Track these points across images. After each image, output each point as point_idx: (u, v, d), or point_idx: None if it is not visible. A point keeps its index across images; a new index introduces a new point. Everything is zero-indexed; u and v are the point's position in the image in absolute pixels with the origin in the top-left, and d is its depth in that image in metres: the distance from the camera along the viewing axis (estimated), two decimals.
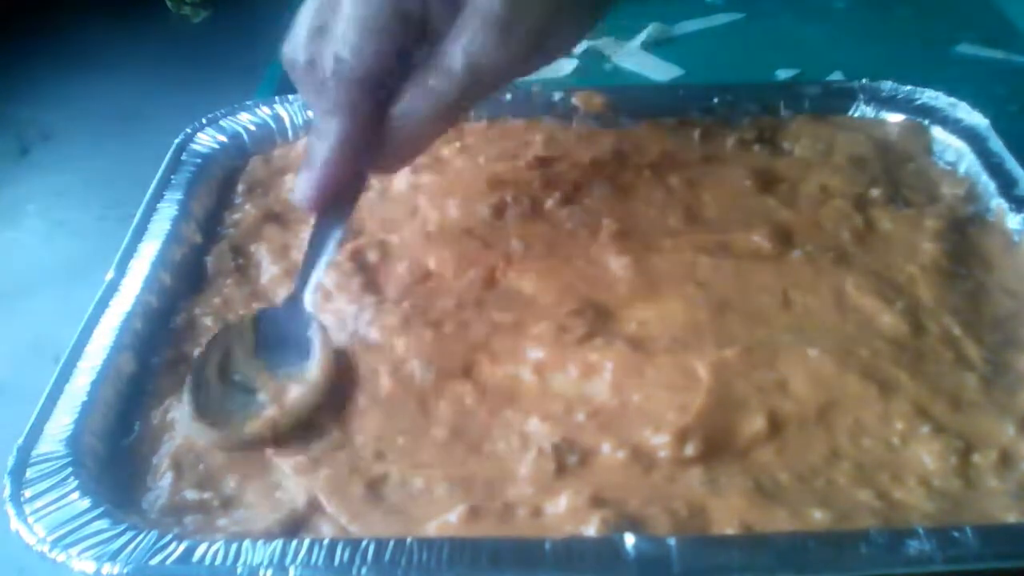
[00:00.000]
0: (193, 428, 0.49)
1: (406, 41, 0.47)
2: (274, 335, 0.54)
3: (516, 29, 0.45)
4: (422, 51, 0.47)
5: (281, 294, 0.59)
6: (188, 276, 0.61)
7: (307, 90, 0.49)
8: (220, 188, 0.69)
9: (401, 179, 0.69)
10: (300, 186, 0.51)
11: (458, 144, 0.72)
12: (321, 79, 0.47)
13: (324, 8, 0.48)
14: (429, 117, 0.48)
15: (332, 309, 0.58)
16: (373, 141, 0.49)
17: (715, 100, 0.75)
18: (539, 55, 0.48)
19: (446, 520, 0.45)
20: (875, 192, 0.65)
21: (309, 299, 0.54)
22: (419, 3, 0.46)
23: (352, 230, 0.64)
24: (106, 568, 0.42)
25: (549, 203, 0.66)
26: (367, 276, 0.60)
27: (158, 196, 0.65)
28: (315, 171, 0.50)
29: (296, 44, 0.49)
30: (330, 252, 0.53)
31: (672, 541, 0.42)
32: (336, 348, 0.53)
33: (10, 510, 0.44)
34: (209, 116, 0.73)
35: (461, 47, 0.45)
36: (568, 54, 0.46)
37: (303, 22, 0.49)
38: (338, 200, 0.52)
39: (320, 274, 0.54)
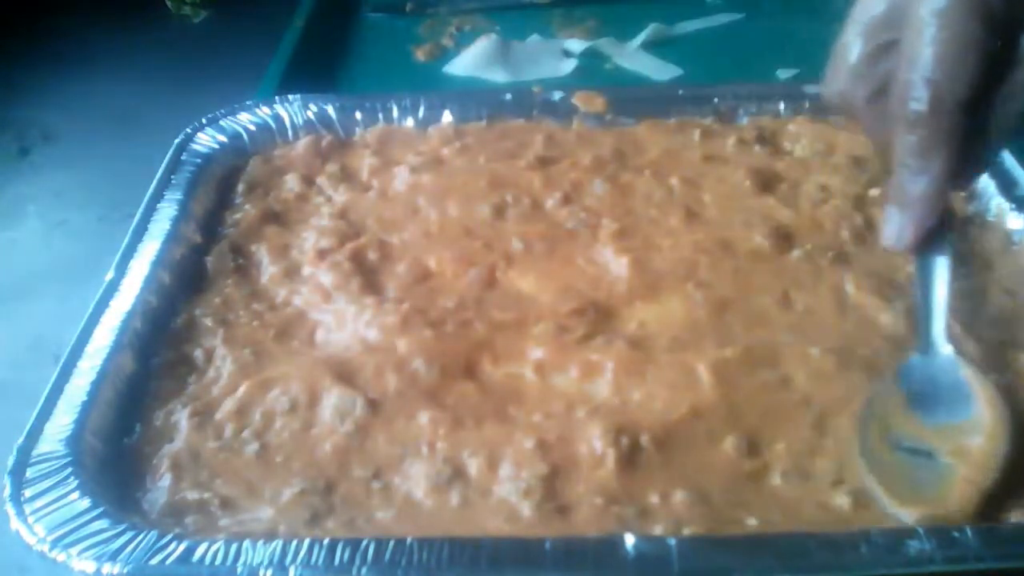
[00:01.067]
0: (898, 512, 0.44)
1: (996, 48, 0.41)
2: (921, 389, 0.49)
3: None
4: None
5: (281, 293, 0.59)
6: (188, 276, 0.61)
7: (877, 122, 0.46)
8: (220, 188, 0.69)
9: (401, 179, 0.69)
10: (894, 227, 0.46)
11: (458, 144, 0.72)
12: (905, 109, 0.43)
13: (879, 28, 0.44)
14: (1015, 111, 0.43)
15: (331, 310, 0.58)
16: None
17: (715, 100, 0.75)
18: None
19: None
20: (875, 192, 0.65)
21: (943, 341, 0.49)
22: (1004, 2, 0.41)
23: (352, 231, 0.64)
24: (106, 568, 0.42)
25: (549, 203, 0.66)
26: (367, 276, 0.60)
27: (158, 196, 0.65)
28: (915, 209, 0.45)
29: (848, 73, 0.45)
30: (946, 285, 0.49)
31: (672, 541, 0.42)
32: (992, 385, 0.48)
33: (10, 510, 0.44)
34: (209, 116, 0.73)
35: None
36: None
37: (851, 47, 0.45)
38: (936, 236, 0.48)
39: (943, 313, 0.49)
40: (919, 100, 0.42)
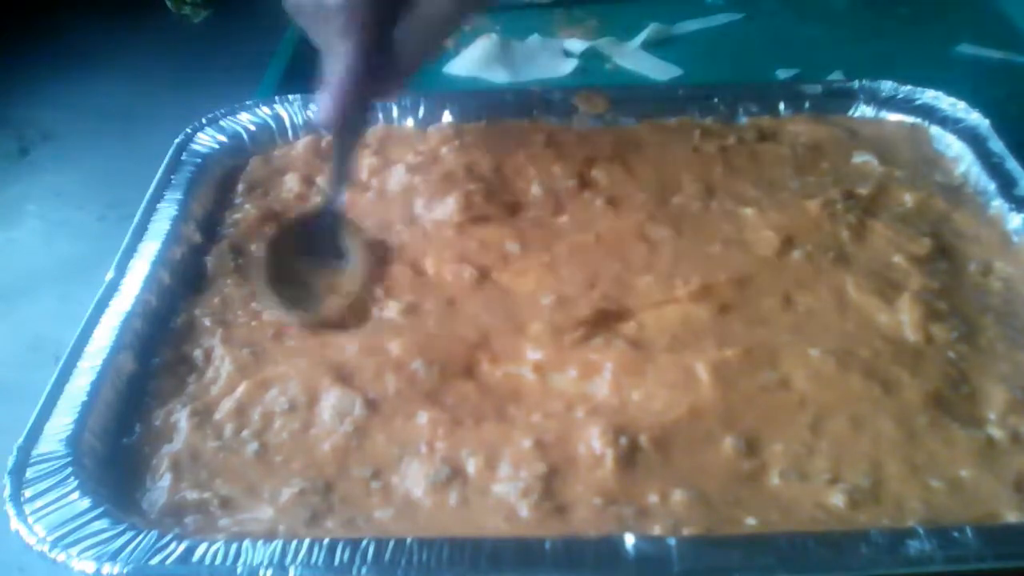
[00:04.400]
0: (282, 313, 0.57)
1: None
2: (312, 237, 0.60)
3: None
4: None
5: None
6: (188, 276, 0.61)
7: (314, 26, 0.53)
8: (220, 188, 0.69)
9: (398, 179, 0.69)
10: (320, 107, 0.55)
11: (457, 143, 0.72)
12: (326, 12, 0.52)
13: None
14: (424, 39, 0.53)
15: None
16: (378, 65, 0.53)
17: (715, 100, 0.75)
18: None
19: None
20: (875, 191, 0.65)
21: (340, 203, 0.61)
22: None
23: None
24: (106, 568, 0.42)
25: (549, 203, 0.66)
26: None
27: (158, 196, 0.65)
28: (332, 91, 0.54)
29: None
30: (350, 164, 0.61)
31: (672, 541, 0.42)
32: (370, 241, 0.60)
33: (10, 510, 0.44)
34: (209, 116, 0.73)
35: None
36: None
37: None
38: (353, 119, 0.57)
39: (344, 183, 0.61)
40: (329, 3, 0.51)
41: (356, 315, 0.58)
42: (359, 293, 0.58)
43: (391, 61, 0.54)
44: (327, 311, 0.58)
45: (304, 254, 0.61)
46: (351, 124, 0.58)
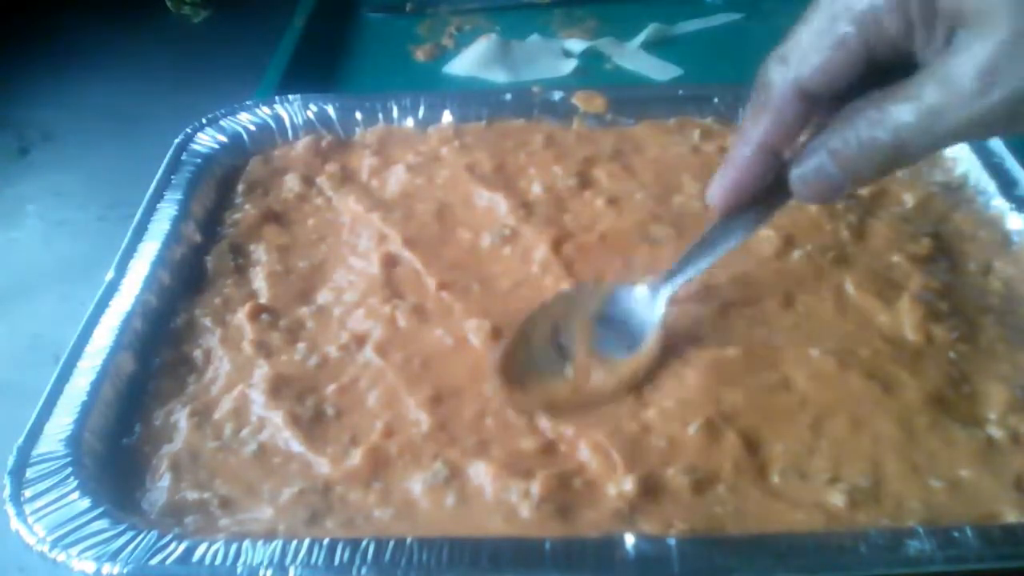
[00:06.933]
0: (494, 379, 0.51)
1: (864, 61, 0.40)
2: (620, 312, 0.53)
3: (1006, 80, 0.35)
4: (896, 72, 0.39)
5: (280, 295, 0.59)
6: (188, 276, 0.61)
7: (752, 100, 0.45)
8: (220, 188, 0.69)
9: (398, 179, 0.69)
10: (713, 185, 0.47)
11: (457, 143, 0.72)
12: (762, 83, 0.44)
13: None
14: (858, 158, 0.40)
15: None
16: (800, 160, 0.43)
17: (715, 100, 0.75)
18: (1020, 121, 0.37)
19: None
20: (875, 191, 0.65)
21: (667, 294, 0.52)
22: (899, 23, 0.38)
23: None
24: (106, 568, 0.42)
25: (549, 203, 0.66)
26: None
27: (158, 196, 0.65)
28: (728, 170, 0.46)
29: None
30: (715, 257, 0.50)
31: (672, 541, 0.42)
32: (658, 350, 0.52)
33: (10, 510, 0.44)
34: (209, 116, 0.73)
35: (924, 86, 0.37)
36: None
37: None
38: (749, 207, 0.47)
39: (693, 275, 0.52)
40: (767, 67, 0.43)
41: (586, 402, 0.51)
42: (588, 398, 0.51)
43: (810, 165, 0.42)
44: (545, 397, 0.51)
45: (599, 325, 0.54)
46: (741, 217, 0.48)
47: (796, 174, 0.43)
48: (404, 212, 0.66)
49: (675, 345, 0.54)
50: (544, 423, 0.50)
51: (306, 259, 0.63)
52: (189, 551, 0.42)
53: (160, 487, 0.48)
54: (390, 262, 0.61)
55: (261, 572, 0.41)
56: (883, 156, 0.39)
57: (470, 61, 0.94)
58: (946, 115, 0.36)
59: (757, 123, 0.44)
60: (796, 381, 0.52)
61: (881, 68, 0.39)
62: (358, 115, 0.75)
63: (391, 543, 0.42)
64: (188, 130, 0.72)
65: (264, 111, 0.74)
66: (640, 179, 0.68)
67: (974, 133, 0.38)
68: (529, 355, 0.53)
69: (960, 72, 0.36)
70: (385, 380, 0.53)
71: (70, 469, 0.46)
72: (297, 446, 0.50)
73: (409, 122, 0.75)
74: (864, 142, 0.39)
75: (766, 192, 0.46)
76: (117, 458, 0.49)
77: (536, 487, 0.46)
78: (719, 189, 0.46)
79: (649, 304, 0.53)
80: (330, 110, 0.75)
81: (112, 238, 0.61)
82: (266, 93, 0.79)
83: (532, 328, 0.54)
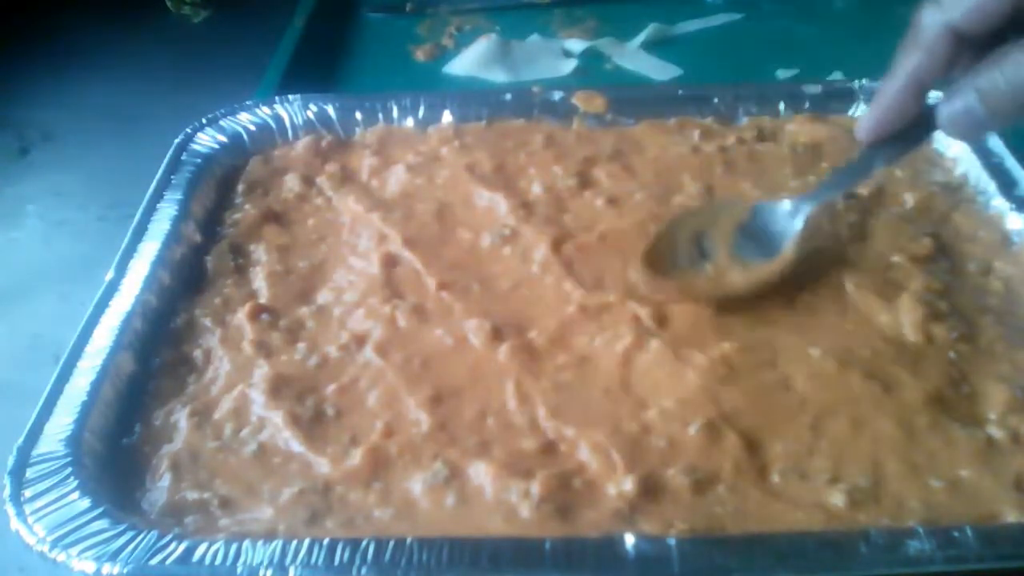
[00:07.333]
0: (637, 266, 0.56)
1: (1012, 4, 0.42)
2: (760, 224, 0.57)
3: None
4: None
5: (280, 295, 0.59)
6: (188, 276, 0.61)
7: (905, 40, 0.47)
8: (220, 188, 0.69)
9: (398, 179, 0.69)
10: (863, 119, 0.50)
11: (457, 143, 0.72)
12: (916, 24, 0.46)
13: None
14: (1006, 99, 0.43)
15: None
16: (949, 97, 0.45)
17: (715, 100, 0.75)
18: None
19: None
20: (875, 192, 0.65)
21: (809, 211, 0.56)
22: None
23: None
24: (106, 568, 0.42)
25: (549, 203, 0.66)
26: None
27: (158, 196, 0.65)
28: (878, 103, 0.49)
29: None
30: (855, 182, 0.55)
31: (672, 541, 0.42)
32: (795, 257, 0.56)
33: (10, 510, 0.44)
34: (209, 116, 0.73)
35: None
36: None
37: None
38: (893, 139, 0.50)
39: (835, 195, 0.57)
40: (922, 10, 0.45)
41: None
42: (725, 292, 0.56)
43: (960, 104, 0.44)
44: (684, 284, 0.56)
45: (739, 235, 0.57)
46: (885, 148, 0.51)
47: (945, 111, 0.45)
48: (404, 212, 0.66)
49: (675, 345, 0.54)
50: (545, 423, 0.50)
51: (306, 259, 0.63)
52: (189, 551, 0.42)
53: (160, 487, 0.48)
54: (390, 262, 0.61)
55: (261, 572, 0.41)
56: None
57: (470, 61, 0.94)
58: None
59: (908, 60, 0.46)
60: (796, 381, 0.52)
61: None
62: (358, 115, 0.75)
63: (391, 543, 0.42)
64: (188, 130, 0.72)
65: (264, 111, 0.74)
66: (640, 179, 0.68)
67: None
68: (672, 251, 0.57)
69: None
70: (385, 380, 0.53)
71: (70, 469, 0.46)
72: (297, 446, 0.50)
73: (409, 122, 0.75)
74: (1012, 82, 0.42)
75: (910, 126, 0.49)
76: (117, 458, 0.49)
77: (536, 487, 0.46)
78: (868, 121, 0.49)
79: (790, 218, 0.56)
80: (330, 110, 0.75)
81: (112, 238, 0.61)
82: (266, 93, 0.79)
83: (677, 228, 0.58)
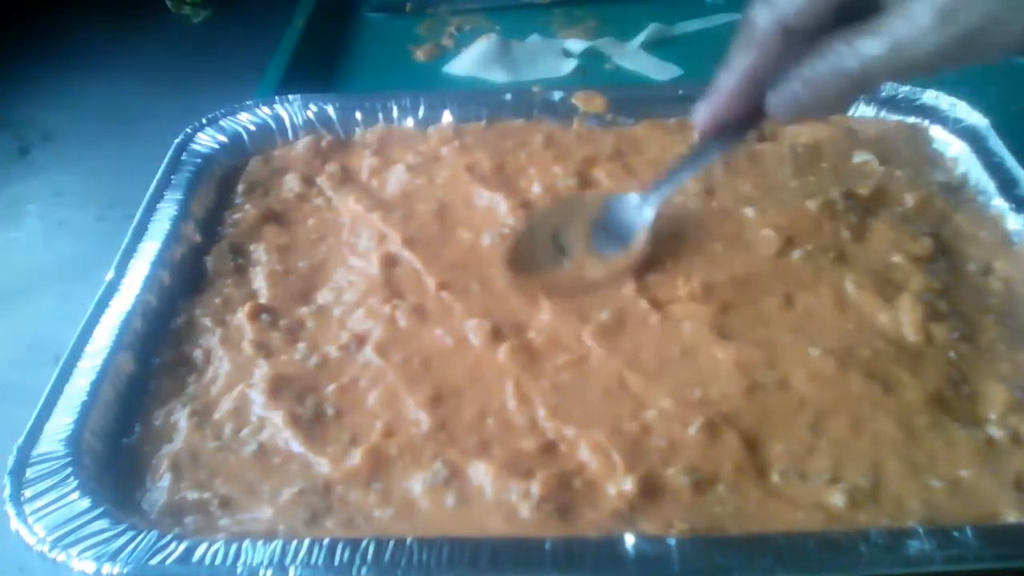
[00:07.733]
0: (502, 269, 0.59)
1: (838, 1, 0.45)
2: (614, 218, 0.60)
3: (959, 18, 0.41)
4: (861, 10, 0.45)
5: (280, 295, 0.59)
6: (188, 276, 0.61)
7: (738, 36, 0.50)
8: (220, 188, 0.69)
9: (398, 179, 0.69)
10: (700, 110, 0.53)
11: (457, 143, 0.72)
12: (748, 22, 0.49)
13: None
14: (828, 85, 0.46)
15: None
16: (776, 85, 0.48)
17: None
18: (971, 54, 0.43)
19: None
20: (875, 192, 0.65)
21: (656, 201, 0.59)
22: None
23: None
24: (106, 568, 0.42)
25: (546, 204, 0.66)
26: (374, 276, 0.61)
27: (158, 196, 0.65)
28: (713, 98, 0.52)
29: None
30: (696, 170, 0.58)
31: (672, 541, 0.42)
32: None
33: (10, 510, 0.44)
34: (209, 116, 0.73)
35: (890, 23, 0.43)
36: (996, 61, 0.44)
37: None
38: (728, 129, 0.53)
39: (679, 185, 0.59)
40: (753, 9, 0.48)
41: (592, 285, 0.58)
42: (585, 286, 0.58)
43: (787, 91, 0.48)
44: (544, 280, 0.58)
45: (594, 230, 0.60)
46: (720, 138, 0.55)
47: (774, 99, 0.48)
48: (404, 212, 0.66)
49: (675, 345, 0.54)
50: (545, 423, 0.50)
51: (306, 259, 0.63)
52: (189, 551, 0.42)
53: (160, 487, 0.48)
54: (390, 262, 0.61)
55: (261, 572, 0.41)
56: (850, 83, 0.45)
57: (470, 61, 0.94)
58: (908, 48, 0.43)
59: (743, 56, 0.49)
60: (796, 381, 0.52)
61: (851, 8, 0.45)
62: (358, 115, 0.75)
63: (391, 543, 0.42)
64: (188, 130, 0.72)
65: (264, 111, 0.74)
66: (640, 179, 0.68)
67: (931, 64, 0.43)
68: (532, 251, 0.60)
69: (921, 11, 0.42)
70: (385, 380, 0.53)
71: (70, 469, 0.46)
72: (297, 446, 0.50)
73: (409, 122, 0.75)
74: (834, 70, 0.45)
75: (745, 115, 0.51)
76: (117, 458, 0.50)
77: (536, 487, 0.46)
78: (706, 114, 0.52)
79: (639, 210, 0.59)
80: (330, 110, 0.75)
81: (112, 238, 0.61)
82: (266, 93, 0.79)
83: (534, 229, 0.61)
